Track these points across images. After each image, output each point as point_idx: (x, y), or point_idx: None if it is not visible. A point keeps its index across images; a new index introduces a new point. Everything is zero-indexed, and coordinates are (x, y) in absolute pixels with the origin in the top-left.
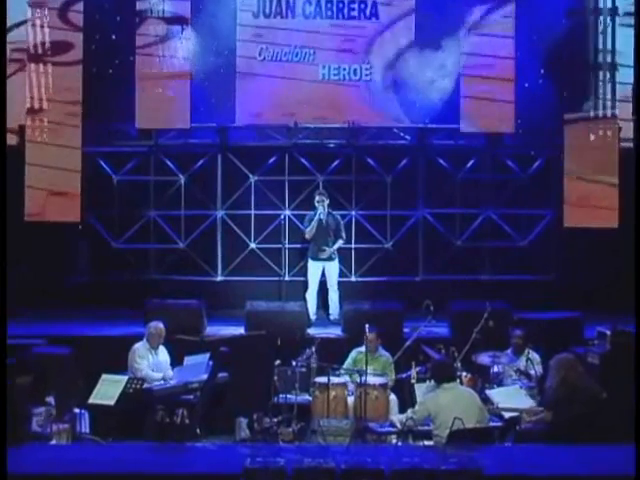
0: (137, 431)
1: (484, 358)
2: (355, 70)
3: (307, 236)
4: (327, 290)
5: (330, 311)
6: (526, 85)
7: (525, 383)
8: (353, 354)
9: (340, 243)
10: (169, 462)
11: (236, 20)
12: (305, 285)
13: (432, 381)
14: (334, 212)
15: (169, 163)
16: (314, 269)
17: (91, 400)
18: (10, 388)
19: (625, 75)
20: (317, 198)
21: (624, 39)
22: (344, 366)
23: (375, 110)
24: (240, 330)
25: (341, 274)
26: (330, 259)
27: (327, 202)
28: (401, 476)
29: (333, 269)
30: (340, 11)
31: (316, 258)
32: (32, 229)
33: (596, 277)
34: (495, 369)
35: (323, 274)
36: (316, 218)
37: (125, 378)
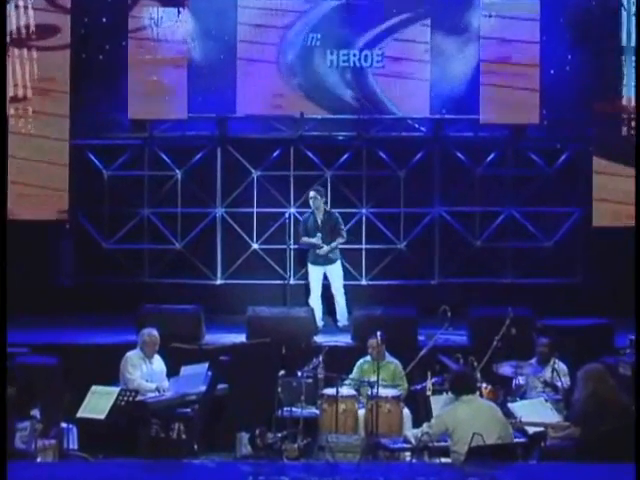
0: (130, 447)
1: (506, 368)
2: (366, 56)
3: (301, 240)
4: (333, 295)
5: (337, 317)
6: (552, 72)
7: (551, 396)
8: (360, 364)
9: (340, 241)
10: None
11: (237, 1)
12: (306, 290)
13: (450, 393)
14: (333, 210)
15: (164, 157)
16: (314, 274)
17: (79, 414)
18: None
19: None
20: (310, 194)
21: None
22: (352, 376)
23: (387, 99)
24: (241, 338)
25: (351, 277)
26: (330, 262)
27: (322, 200)
28: None
29: (335, 272)
30: None
31: (315, 262)
32: (16, 228)
33: (627, 280)
34: (518, 380)
35: (326, 278)
36: (304, 217)
37: (117, 390)
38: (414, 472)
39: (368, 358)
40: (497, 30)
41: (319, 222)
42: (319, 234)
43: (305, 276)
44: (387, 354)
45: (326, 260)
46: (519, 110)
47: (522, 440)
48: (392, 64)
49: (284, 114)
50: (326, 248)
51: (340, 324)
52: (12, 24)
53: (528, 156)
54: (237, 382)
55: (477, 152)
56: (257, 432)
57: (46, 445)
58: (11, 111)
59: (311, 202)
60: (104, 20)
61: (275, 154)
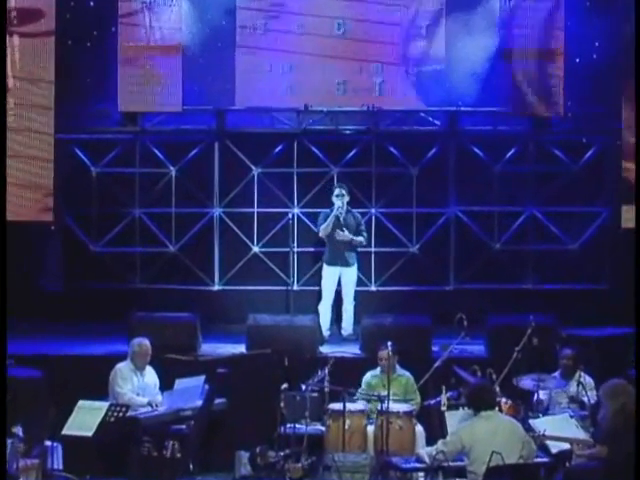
0: (120, 467)
1: (527, 382)
2: None
3: (321, 233)
4: (341, 301)
5: (343, 325)
6: (577, 60)
7: (576, 412)
8: (367, 378)
9: (361, 240)
10: None
11: None
12: (318, 295)
13: (466, 408)
14: (353, 210)
15: (157, 152)
16: (330, 276)
17: (65, 431)
18: None
19: None
20: (336, 192)
21: None
22: (360, 390)
23: (398, 91)
24: (241, 348)
25: (359, 283)
26: (347, 264)
27: (347, 198)
28: None
29: (350, 276)
30: None
31: (332, 262)
32: None
33: None
34: (540, 395)
35: (339, 282)
36: (333, 214)
37: (105, 405)
38: None
39: (377, 371)
40: (518, 15)
41: (342, 221)
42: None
43: (310, 281)
44: (398, 366)
45: (344, 262)
46: (541, 101)
47: (545, 460)
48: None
49: (287, 106)
50: (347, 234)
51: (345, 333)
52: None
53: (551, 151)
54: (236, 396)
55: (496, 147)
56: (258, 450)
57: (29, 465)
58: None
59: (337, 200)
60: (92, 4)
61: (277, 149)
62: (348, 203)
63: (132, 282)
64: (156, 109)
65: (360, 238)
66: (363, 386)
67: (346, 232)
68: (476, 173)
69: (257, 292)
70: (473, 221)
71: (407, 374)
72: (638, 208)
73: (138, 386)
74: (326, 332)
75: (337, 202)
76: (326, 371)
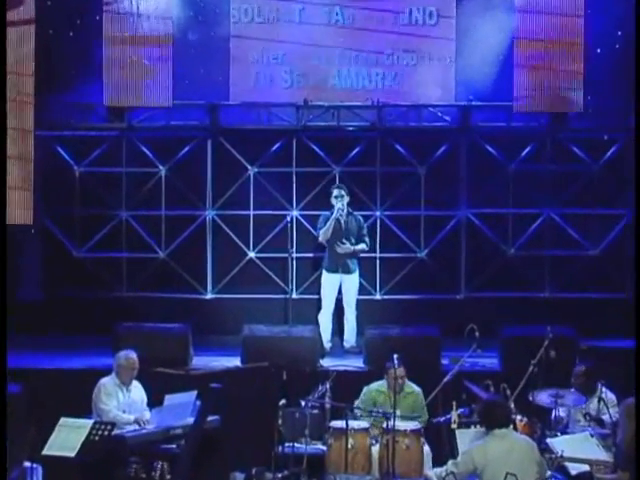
0: None
1: (544, 398)
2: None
3: (321, 238)
4: (343, 310)
5: (345, 336)
6: (598, 50)
7: (597, 430)
8: (372, 392)
9: (363, 247)
10: None
11: None
12: (318, 304)
13: (478, 426)
14: (355, 212)
15: (146, 150)
16: (330, 283)
17: (46, 451)
18: None
19: None
20: (335, 193)
21: None
22: (361, 403)
23: (405, 84)
24: (236, 362)
25: (363, 291)
26: (348, 270)
27: (347, 199)
28: None
29: (351, 284)
30: None
31: (332, 269)
32: None
33: None
34: (558, 412)
35: (340, 291)
36: (333, 217)
37: (89, 422)
38: None
39: (384, 386)
40: (534, 2)
41: (342, 225)
42: (344, 240)
43: (310, 289)
44: (407, 382)
45: (345, 268)
46: (559, 96)
47: None
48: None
49: (285, 101)
50: (349, 246)
51: (347, 345)
52: None
53: (570, 149)
54: (230, 413)
55: (510, 145)
56: (254, 472)
57: None
58: None
59: (336, 202)
60: None
61: (275, 147)
62: (349, 204)
63: (118, 290)
64: (144, 104)
65: (362, 245)
66: (364, 397)
67: (347, 244)
68: (489, 172)
69: (253, 301)
70: (486, 224)
71: (417, 389)
72: (638, 209)
73: (124, 402)
74: (327, 344)
75: (337, 204)
76: (327, 386)
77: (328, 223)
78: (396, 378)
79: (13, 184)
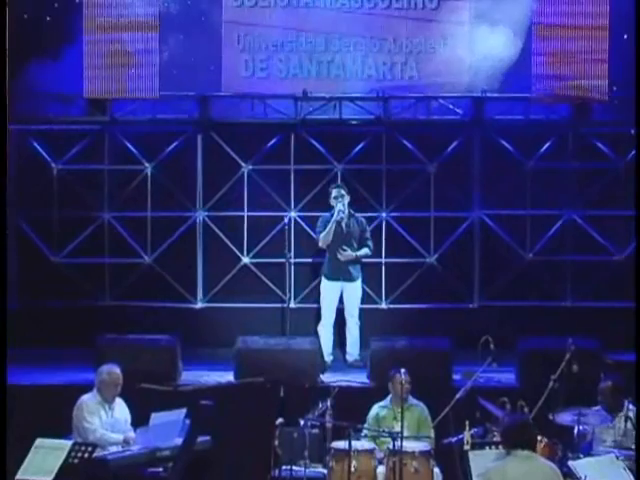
0: None
1: (566, 417)
2: None
3: (321, 244)
4: (345, 321)
5: (348, 349)
6: (625, 37)
7: (623, 452)
8: (375, 411)
9: (366, 252)
10: None
11: None
12: (318, 314)
13: (494, 447)
14: (358, 214)
15: (130, 146)
16: (330, 292)
17: (20, 475)
18: None
19: None
20: (334, 193)
21: None
22: (367, 426)
23: (413, 73)
24: (228, 377)
25: (367, 299)
26: (350, 278)
27: (348, 199)
28: None
29: (354, 292)
30: None
31: (332, 276)
32: None
33: None
34: (581, 432)
35: (340, 300)
36: (333, 220)
37: (68, 443)
38: None
39: (386, 402)
40: None
41: (344, 228)
42: (344, 247)
43: (309, 298)
44: (410, 396)
45: (347, 275)
46: (582, 86)
47: None
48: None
49: (282, 92)
50: (351, 253)
51: (350, 359)
52: None
53: (593, 144)
54: (223, 433)
55: (528, 140)
56: None
57: None
58: None
59: (335, 203)
60: None
61: (271, 143)
62: (350, 205)
63: (100, 299)
64: (128, 95)
65: (365, 250)
66: (369, 420)
67: (349, 251)
68: (505, 170)
69: (247, 310)
70: (501, 227)
71: (421, 405)
72: (638, 209)
73: (106, 422)
74: (328, 357)
75: (337, 205)
76: (328, 403)
77: (328, 227)
78: (402, 384)
79: None
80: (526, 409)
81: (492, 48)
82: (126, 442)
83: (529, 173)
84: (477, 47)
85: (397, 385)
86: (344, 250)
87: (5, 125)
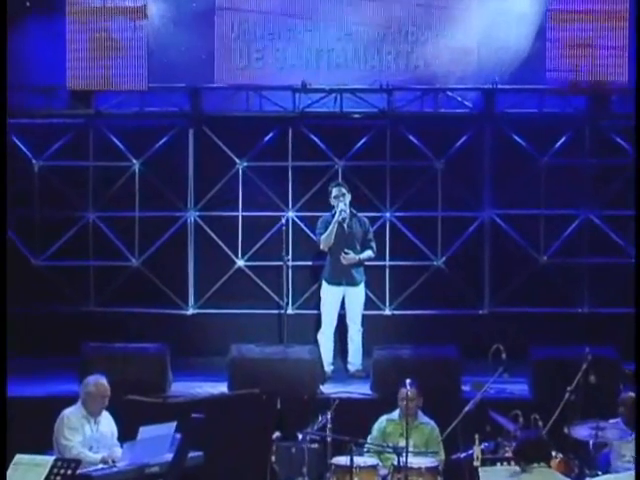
0: None
1: (583, 431)
2: None
3: (322, 246)
4: (347, 328)
5: (349, 359)
6: None
7: None
8: (381, 424)
9: (370, 255)
10: None
11: None
12: (317, 321)
13: (506, 464)
14: (360, 214)
15: (116, 141)
16: (331, 297)
17: None
18: None
19: None
20: (334, 192)
21: None
22: (370, 439)
23: (420, 64)
24: (222, 388)
25: (370, 305)
26: (353, 282)
27: (349, 198)
28: None
29: (356, 297)
30: None
31: (333, 280)
32: None
33: None
34: (599, 447)
35: (343, 305)
36: (334, 221)
37: (50, 460)
38: None
39: (394, 415)
40: None
41: (346, 229)
42: (347, 250)
43: (308, 303)
44: (420, 412)
45: (349, 279)
46: (600, 76)
47: None
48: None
49: (280, 83)
50: (354, 256)
51: (352, 369)
52: None
53: (612, 139)
54: (216, 448)
55: (542, 134)
56: None
57: None
58: None
59: (336, 203)
60: None
61: (267, 138)
62: (351, 204)
63: (84, 305)
64: (114, 87)
65: (368, 252)
66: (375, 432)
67: (351, 254)
68: (517, 167)
69: (242, 317)
70: (513, 227)
71: (432, 423)
72: (638, 210)
73: (91, 437)
74: (328, 367)
75: (338, 205)
76: (328, 416)
77: (330, 228)
78: (408, 399)
79: None
80: (540, 423)
81: (504, 36)
82: (104, 462)
83: (543, 170)
84: (488, 35)
85: (401, 402)
86: (346, 253)
87: (5, 124)
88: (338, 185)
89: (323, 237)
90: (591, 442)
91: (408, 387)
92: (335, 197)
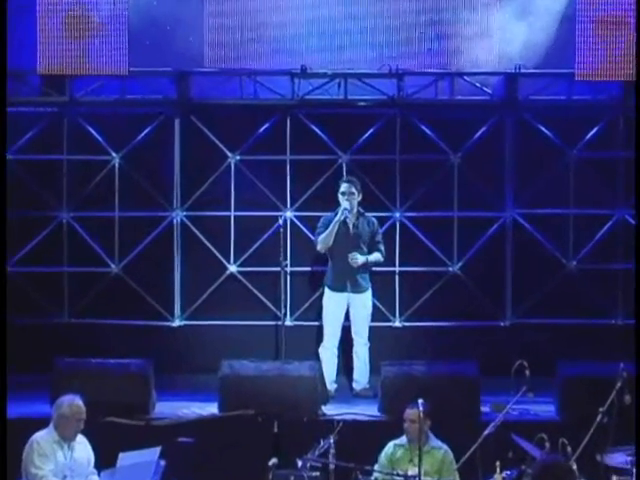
0: None
1: (617, 457)
2: None
3: (319, 247)
4: (351, 341)
5: (355, 376)
6: None
7: None
8: (389, 449)
9: (378, 258)
10: None
11: None
12: (319, 333)
13: None
14: (368, 214)
15: (94, 132)
16: (335, 306)
17: None
18: None
19: None
20: (343, 187)
21: None
22: (378, 467)
23: (434, 47)
24: (212, 408)
25: (378, 316)
26: (358, 289)
27: (359, 198)
28: None
29: (362, 306)
30: None
31: (337, 286)
32: None
33: None
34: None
35: (347, 316)
36: (336, 220)
37: None
38: None
39: (402, 440)
40: None
41: (351, 229)
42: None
43: (308, 314)
44: (432, 435)
45: (354, 286)
46: (636, 59)
47: None
48: None
49: (277, 68)
50: (360, 257)
51: (357, 387)
52: None
53: None
54: (205, 477)
55: (571, 125)
56: None
57: None
58: None
59: (344, 200)
60: None
61: (263, 129)
62: (360, 204)
63: (58, 315)
64: (92, 72)
65: (376, 255)
66: (382, 459)
67: (357, 255)
68: (543, 161)
69: (234, 329)
70: (538, 229)
71: (444, 447)
72: (638, 210)
73: (64, 465)
74: (331, 385)
75: (344, 203)
76: (331, 440)
77: (330, 228)
78: (411, 421)
79: None
80: (569, 448)
81: (528, 15)
82: None
83: (572, 164)
84: (510, 14)
85: (408, 425)
86: (352, 258)
87: (5, 123)
88: (349, 182)
89: (321, 237)
90: (634, 470)
91: (412, 408)
92: (342, 193)
